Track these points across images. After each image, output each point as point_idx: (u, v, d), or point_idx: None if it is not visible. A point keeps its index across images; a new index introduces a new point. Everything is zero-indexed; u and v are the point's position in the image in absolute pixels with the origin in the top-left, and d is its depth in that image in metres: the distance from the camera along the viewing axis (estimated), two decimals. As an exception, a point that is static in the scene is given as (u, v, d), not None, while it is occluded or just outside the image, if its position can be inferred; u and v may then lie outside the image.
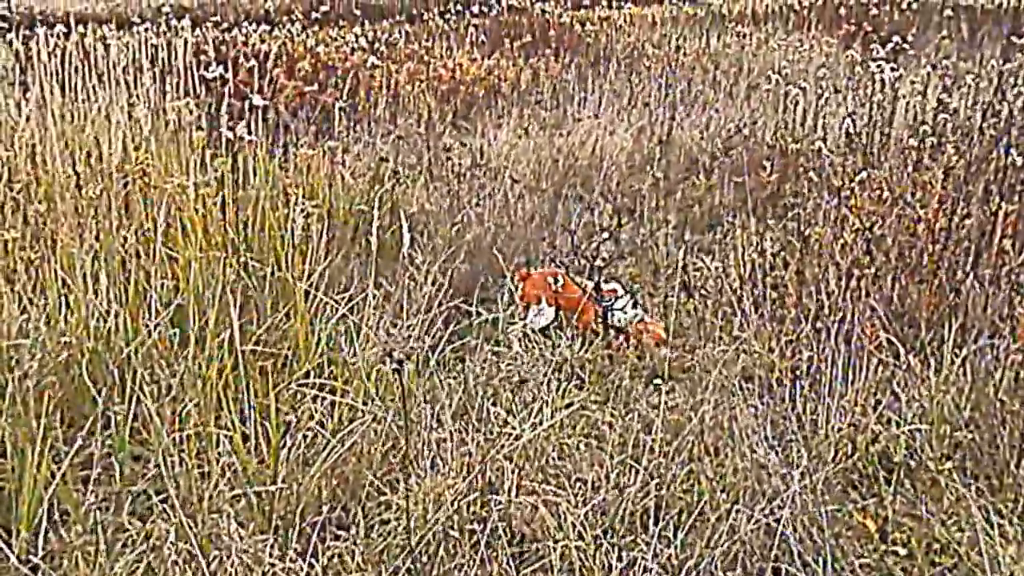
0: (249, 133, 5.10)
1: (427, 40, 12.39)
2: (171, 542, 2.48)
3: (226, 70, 5.80)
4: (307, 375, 3.45)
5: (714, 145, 7.20)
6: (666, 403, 3.07)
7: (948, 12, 15.03)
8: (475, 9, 16.33)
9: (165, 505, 2.78)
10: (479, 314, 4.15)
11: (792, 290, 3.92)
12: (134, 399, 3.12)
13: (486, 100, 9.70)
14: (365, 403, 3.28)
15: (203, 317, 3.58)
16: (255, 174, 5.03)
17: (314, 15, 15.28)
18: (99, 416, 3.14)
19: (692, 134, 7.60)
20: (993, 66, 6.07)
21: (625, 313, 4.05)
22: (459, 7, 16.62)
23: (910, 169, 4.14)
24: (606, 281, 4.23)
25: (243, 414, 3.06)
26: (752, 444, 2.70)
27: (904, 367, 3.15)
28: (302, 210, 4.36)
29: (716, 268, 4.62)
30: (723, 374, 3.61)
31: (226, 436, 2.81)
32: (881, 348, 3.16)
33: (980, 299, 3.38)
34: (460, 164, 7.10)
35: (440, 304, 4.15)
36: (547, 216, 5.75)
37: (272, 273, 4.01)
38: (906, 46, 8.24)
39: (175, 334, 3.52)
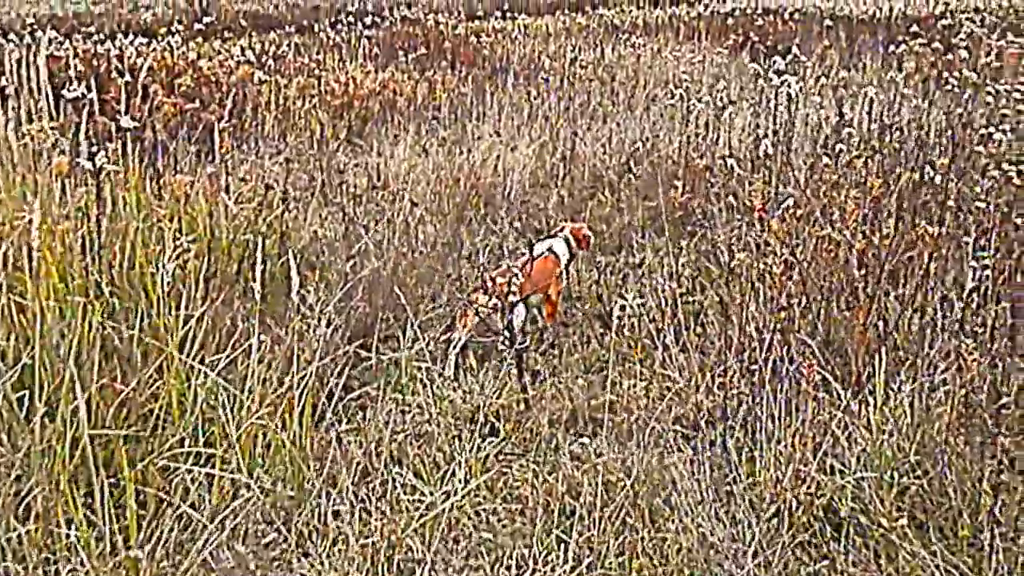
0: (115, 161, 4.64)
1: (318, 53, 11.89)
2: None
3: (90, 89, 5.28)
4: (182, 442, 3.02)
5: (618, 160, 7.00)
6: (592, 457, 2.76)
7: (828, 22, 15.43)
8: (367, 20, 15.88)
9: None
10: (380, 357, 3.77)
11: (714, 319, 3.69)
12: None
13: (382, 115, 9.30)
14: (250, 472, 2.87)
15: (57, 378, 3.10)
16: (126, 205, 4.55)
17: (197, 27, 14.57)
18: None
19: (595, 149, 7.39)
20: (891, 78, 6.04)
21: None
22: (351, 19, 16.13)
23: (823, 187, 3.97)
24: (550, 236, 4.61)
25: (102, 495, 2.61)
26: (693, 514, 2.42)
27: (841, 406, 2.94)
28: (177, 246, 3.90)
29: (631, 294, 4.37)
30: (650, 417, 3.35)
31: (76, 531, 2.37)
32: (816, 386, 2.94)
33: (912, 329, 3.21)
34: (355, 186, 6.70)
35: (337, 348, 3.77)
36: (450, 242, 5.41)
37: (143, 321, 3.54)
38: (802, 57, 8.26)
39: (21, 399, 3.02)
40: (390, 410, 3.42)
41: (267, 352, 3.56)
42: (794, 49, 10.07)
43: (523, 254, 4.79)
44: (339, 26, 15.57)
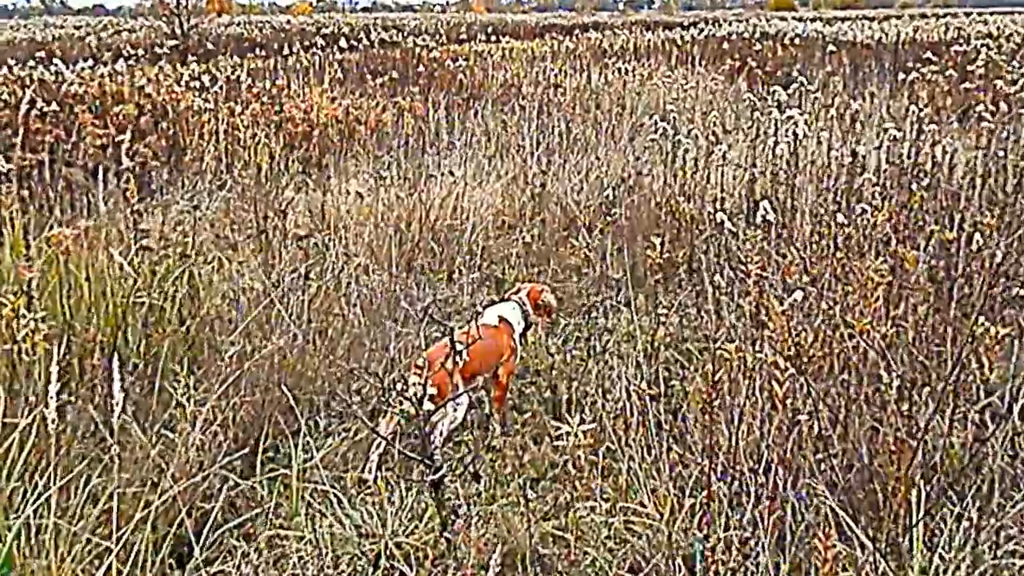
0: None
1: (282, 78, 11.11)
2: None
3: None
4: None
5: (596, 199, 6.20)
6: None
7: (831, 47, 14.74)
8: (343, 44, 15.17)
9: None
10: (268, 469, 2.96)
11: (696, 423, 2.88)
12: None
13: (341, 145, 8.53)
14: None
15: None
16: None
17: (159, 51, 13.82)
18: None
19: (571, 185, 6.59)
20: (909, 109, 5.26)
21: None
22: (324, 41, 15.41)
23: (839, 253, 3.17)
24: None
25: None
26: None
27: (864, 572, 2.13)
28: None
29: (596, 375, 3.57)
30: (608, 561, 2.55)
31: None
32: (832, 546, 2.13)
33: (968, 461, 2.41)
34: (297, 226, 5.91)
35: (216, 458, 2.95)
36: (391, 296, 4.61)
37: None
38: (809, 86, 7.51)
39: None
40: (270, 546, 2.61)
41: (117, 467, 2.76)
42: (792, 74, 9.36)
43: (479, 313, 4.03)
44: (313, 49, 14.84)
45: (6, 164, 4.13)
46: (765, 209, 2.85)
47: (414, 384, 2.78)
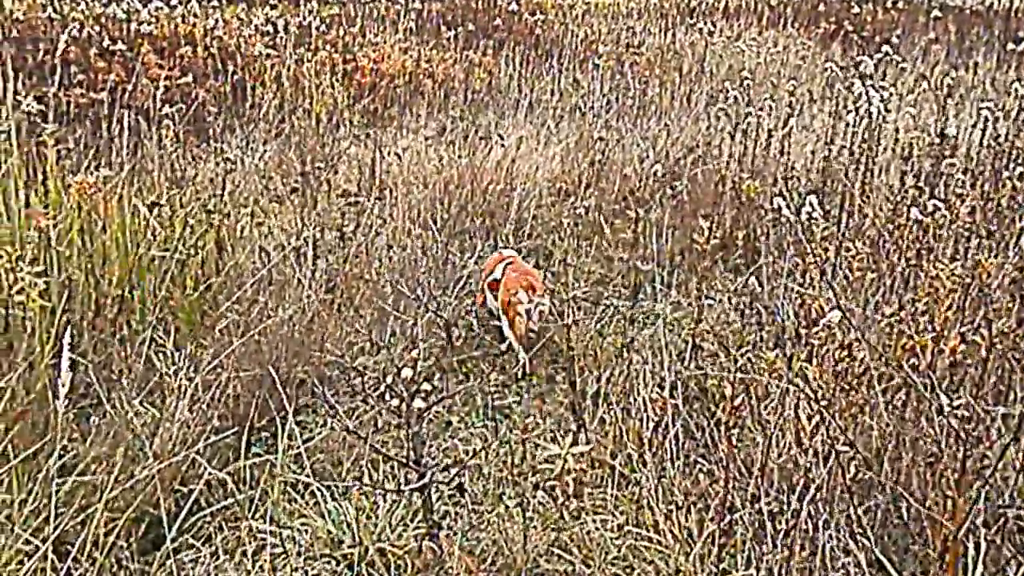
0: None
1: (353, 25, 10.85)
2: None
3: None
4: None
5: (662, 168, 5.79)
6: None
7: (936, 13, 13.80)
8: (426, -8, 14.79)
9: None
10: (252, 454, 2.76)
11: (723, 451, 2.56)
12: None
13: (407, 99, 8.27)
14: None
15: None
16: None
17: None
18: None
19: (636, 153, 6.20)
20: (1006, 85, 4.72)
21: None
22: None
23: (909, 250, 2.78)
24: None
25: None
26: None
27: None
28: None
29: (627, 367, 3.26)
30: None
31: None
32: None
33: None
34: (344, 182, 5.71)
35: (203, 435, 2.76)
36: (434, 264, 4.36)
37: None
38: (894, 54, 6.91)
39: None
40: (240, 541, 2.41)
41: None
42: (891, 40, 8.69)
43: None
44: (396, -4, 14.51)
45: (35, 105, 3.99)
46: (812, 205, 2.49)
47: (527, 301, 3.53)
